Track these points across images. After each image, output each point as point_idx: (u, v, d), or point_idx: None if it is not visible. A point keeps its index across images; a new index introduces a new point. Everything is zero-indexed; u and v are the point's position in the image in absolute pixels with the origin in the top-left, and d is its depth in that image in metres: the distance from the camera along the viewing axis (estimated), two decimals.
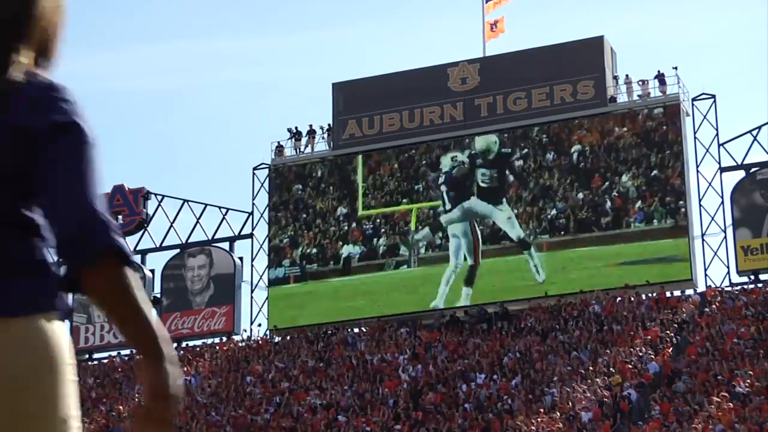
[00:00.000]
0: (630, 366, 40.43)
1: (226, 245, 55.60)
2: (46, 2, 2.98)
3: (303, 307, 51.18)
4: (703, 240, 48.30)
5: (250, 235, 55.10)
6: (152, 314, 3.00)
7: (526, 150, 50.63)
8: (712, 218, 48.62)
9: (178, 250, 56.00)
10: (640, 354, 41.21)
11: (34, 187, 2.97)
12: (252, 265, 54.54)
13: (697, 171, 49.30)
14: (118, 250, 2.95)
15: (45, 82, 2.97)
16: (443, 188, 51.24)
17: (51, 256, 3.05)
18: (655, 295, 45.80)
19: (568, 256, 48.31)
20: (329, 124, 54.34)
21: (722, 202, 48.52)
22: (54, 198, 2.93)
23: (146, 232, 56.80)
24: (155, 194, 57.26)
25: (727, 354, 39.82)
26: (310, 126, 54.91)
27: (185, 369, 50.24)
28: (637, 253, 47.20)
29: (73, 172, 2.94)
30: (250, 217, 55.17)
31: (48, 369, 2.98)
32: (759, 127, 49.21)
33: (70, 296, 3.12)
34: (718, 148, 49.23)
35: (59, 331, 3.01)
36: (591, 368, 40.93)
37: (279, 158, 54.80)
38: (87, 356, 55.09)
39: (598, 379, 39.88)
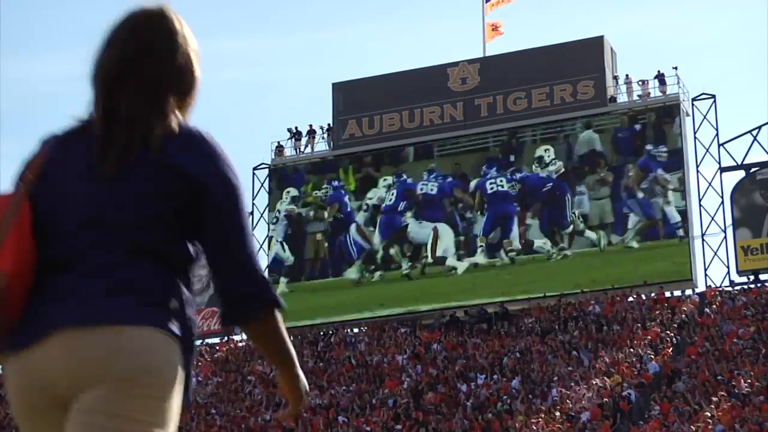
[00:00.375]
0: (630, 366, 40.42)
1: None
2: (195, 65, 3.45)
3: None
4: (703, 240, 48.31)
5: None
6: (290, 343, 3.55)
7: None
8: (712, 218, 48.64)
9: None
10: (640, 354, 41.21)
11: (188, 229, 3.36)
12: None
13: (697, 171, 49.38)
14: (276, 304, 3.43)
15: (193, 130, 3.38)
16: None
17: (184, 289, 3.40)
18: (654, 295, 45.82)
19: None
20: (329, 124, 54.36)
21: (722, 202, 48.52)
22: (218, 252, 3.36)
23: None
24: None
25: (727, 354, 39.82)
26: (310, 126, 54.94)
27: None
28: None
29: (234, 226, 3.37)
30: (250, 217, 55.18)
31: (155, 379, 3.24)
32: (759, 127, 49.23)
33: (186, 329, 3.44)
34: (718, 148, 49.24)
35: (174, 349, 3.30)
36: (591, 368, 40.93)
37: (279, 158, 54.80)
38: None
39: (598, 379, 39.87)
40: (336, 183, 53.35)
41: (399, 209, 51.65)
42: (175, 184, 3.30)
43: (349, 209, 52.91)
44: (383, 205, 52.05)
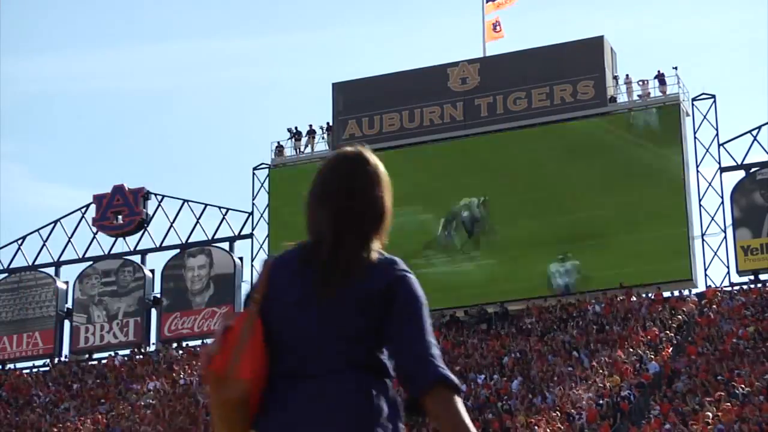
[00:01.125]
0: (630, 366, 40.42)
1: (226, 245, 55.60)
2: (388, 200, 4.08)
3: None
4: (703, 240, 48.30)
5: (250, 235, 55.10)
6: (472, 428, 3.81)
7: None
8: (712, 218, 48.64)
9: (178, 250, 55.97)
10: (640, 354, 41.21)
11: (384, 336, 3.94)
12: (252, 265, 54.58)
13: (697, 171, 49.38)
14: (446, 381, 3.81)
15: (387, 257, 4.03)
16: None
17: (392, 392, 3.98)
18: (654, 295, 45.82)
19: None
20: (329, 123, 54.35)
21: (722, 202, 48.53)
22: (399, 343, 3.89)
23: (146, 232, 56.79)
24: (155, 194, 57.29)
25: (727, 354, 39.82)
26: (310, 126, 54.94)
27: (185, 369, 50.26)
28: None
29: (411, 322, 3.90)
30: (250, 217, 55.19)
31: None
32: (759, 127, 49.22)
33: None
34: (718, 148, 49.25)
35: None
36: (591, 368, 40.93)
37: (279, 158, 54.80)
38: (87, 356, 55.10)
39: (597, 379, 39.88)
40: None
41: None
42: (378, 302, 3.92)
43: None
44: None
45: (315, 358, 3.92)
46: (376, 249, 4.03)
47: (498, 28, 53.43)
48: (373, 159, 4.10)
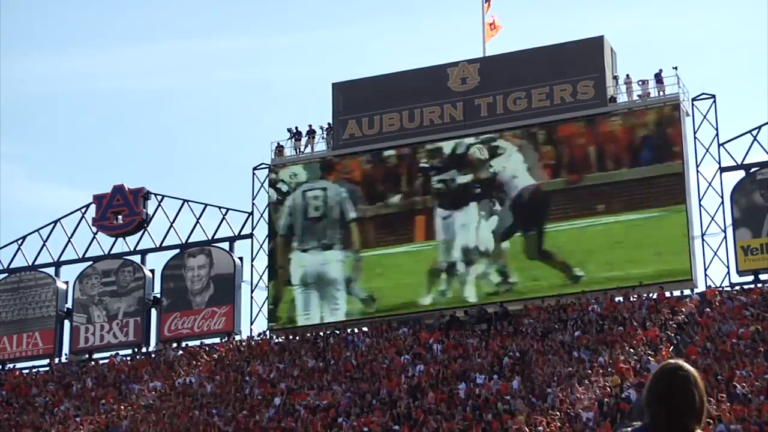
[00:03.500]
0: (630, 366, 40.42)
1: (226, 245, 55.60)
2: (704, 400, 5.45)
3: None
4: (703, 240, 48.30)
5: (250, 235, 55.10)
6: None
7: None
8: (712, 218, 48.63)
9: (178, 250, 55.99)
10: (640, 354, 41.21)
11: None
12: (252, 265, 54.58)
13: (697, 171, 49.35)
14: None
15: None
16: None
17: None
18: (654, 295, 45.83)
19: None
20: (329, 124, 54.34)
21: (722, 202, 48.53)
22: None
23: (146, 232, 56.81)
24: (155, 194, 57.31)
25: (727, 354, 39.82)
26: (310, 126, 54.92)
27: (185, 369, 50.26)
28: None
29: None
30: (250, 217, 55.19)
31: None
32: (759, 127, 49.22)
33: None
34: (718, 148, 49.25)
35: None
36: (591, 368, 40.93)
37: (279, 158, 54.79)
38: (87, 356, 55.11)
39: (598, 379, 39.88)
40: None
41: None
42: None
43: None
44: None
45: None
46: None
47: (493, 27, 53.43)
48: (691, 368, 5.55)
